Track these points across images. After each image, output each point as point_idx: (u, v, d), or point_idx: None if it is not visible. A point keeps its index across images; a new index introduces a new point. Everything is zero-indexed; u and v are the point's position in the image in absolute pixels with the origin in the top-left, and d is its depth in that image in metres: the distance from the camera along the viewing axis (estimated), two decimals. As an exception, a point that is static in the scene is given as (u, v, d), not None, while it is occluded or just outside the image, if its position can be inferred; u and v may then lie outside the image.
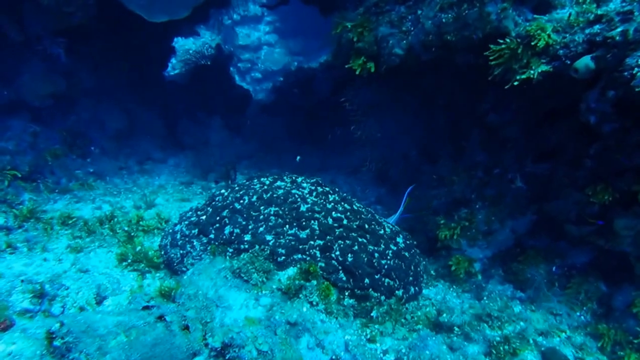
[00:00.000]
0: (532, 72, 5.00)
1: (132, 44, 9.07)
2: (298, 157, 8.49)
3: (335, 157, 10.27)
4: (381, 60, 5.89)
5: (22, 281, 5.20)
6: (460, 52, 5.62)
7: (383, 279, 5.31)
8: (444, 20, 5.49)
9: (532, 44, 4.96)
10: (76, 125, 8.68)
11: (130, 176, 8.93)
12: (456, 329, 5.08)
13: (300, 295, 4.67)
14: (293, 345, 3.47)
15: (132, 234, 6.49)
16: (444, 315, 5.17)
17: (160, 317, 3.10)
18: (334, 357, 4.44)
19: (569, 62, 4.92)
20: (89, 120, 8.80)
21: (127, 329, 2.97)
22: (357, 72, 5.91)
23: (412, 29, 5.73)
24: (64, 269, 5.69)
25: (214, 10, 10.49)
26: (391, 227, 6.07)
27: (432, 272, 6.56)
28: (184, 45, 11.78)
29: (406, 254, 5.75)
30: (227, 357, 2.97)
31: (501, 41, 5.14)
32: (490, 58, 5.16)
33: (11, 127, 7.93)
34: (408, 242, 6.04)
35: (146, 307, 3.45)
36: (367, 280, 5.16)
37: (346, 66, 5.95)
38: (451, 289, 6.26)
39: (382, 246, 5.54)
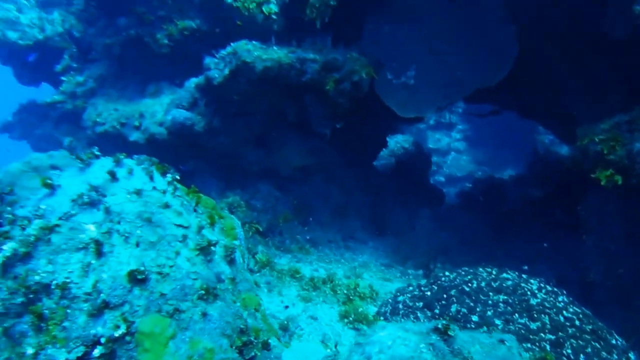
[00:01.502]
0: None
1: (357, 130, 10.32)
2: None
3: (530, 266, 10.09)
4: (633, 174, 6.01)
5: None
6: None
7: (618, 394, 5.00)
8: None
9: None
10: (306, 196, 10.02)
11: (337, 249, 9.82)
12: None
13: (539, 383, 4.64)
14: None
15: (351, 297, 7.10)
16: None
17: (501, 341, 3.53)
18: None
19: None
20: (316, 193, 10.10)
21: (478, 342, 3.42)
22: (602, 183, 6.09)
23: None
24: (297, 312, 6.44)
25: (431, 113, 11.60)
26: (621, 340, 5.73)
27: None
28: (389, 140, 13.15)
29: (643, 375, 5.35)
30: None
31: None
32: None
33: (260, 190, 9.54)
34: (643, 363, 5.61)
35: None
36: (602, 390, 4.92)
37: (592, 175, 6.18)
38: None
39: (615, 356, 5.26)
